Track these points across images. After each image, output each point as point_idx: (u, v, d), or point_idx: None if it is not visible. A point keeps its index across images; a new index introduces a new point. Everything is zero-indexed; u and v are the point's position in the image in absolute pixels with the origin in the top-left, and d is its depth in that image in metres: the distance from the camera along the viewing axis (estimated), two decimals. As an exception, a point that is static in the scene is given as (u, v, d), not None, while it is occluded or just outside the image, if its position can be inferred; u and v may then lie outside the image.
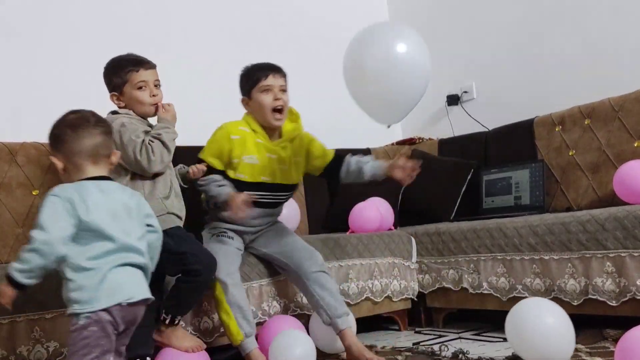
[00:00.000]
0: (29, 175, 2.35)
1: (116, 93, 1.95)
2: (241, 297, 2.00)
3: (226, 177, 2.13)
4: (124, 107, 1.94)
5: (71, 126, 1.49)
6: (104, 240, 1.41)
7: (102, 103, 2.88)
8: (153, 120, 1.99)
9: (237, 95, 2.23)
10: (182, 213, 1.95)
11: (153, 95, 1.93)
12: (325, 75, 3.71)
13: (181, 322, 1.93)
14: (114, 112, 1.94)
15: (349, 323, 2.10)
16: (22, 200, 2.31)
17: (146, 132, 1.90)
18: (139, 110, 1.95)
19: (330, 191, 3.25)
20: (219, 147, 2.13)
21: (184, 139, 2.67)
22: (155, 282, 1.68)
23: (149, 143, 1.83)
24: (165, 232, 1.67)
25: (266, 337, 2.02)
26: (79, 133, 1.48)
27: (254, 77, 2.16)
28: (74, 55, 2.86)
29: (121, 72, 1.94)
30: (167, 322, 1.87)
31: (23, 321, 1.74)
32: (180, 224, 1.93)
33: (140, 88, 1.93)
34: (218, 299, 1.97)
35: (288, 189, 2.27)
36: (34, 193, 2.34)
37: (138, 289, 1.46)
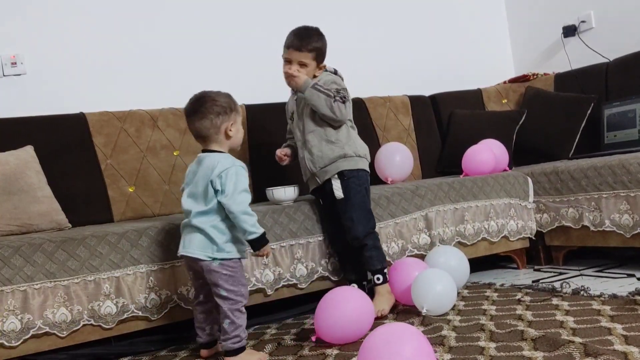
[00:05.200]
0: (170, 137, 2.64)
1: None
2: None
3: None
4: None
5: None
6: None
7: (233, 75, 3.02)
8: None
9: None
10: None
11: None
12: (435, 19, 3.69)
13: None
14: None
15: None
16: (166, 161, 2.61)
17: None
18: None
19: (442, 134, 3.29)
20: None
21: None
22: None
23: None
24: None
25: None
26: None
27: None
28: (210, 30, 3.04)
29: None
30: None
31: (182, 266, 2.01)
32: None
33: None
34: None
35: None
36: (175, 154, 2.63)
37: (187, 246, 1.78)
